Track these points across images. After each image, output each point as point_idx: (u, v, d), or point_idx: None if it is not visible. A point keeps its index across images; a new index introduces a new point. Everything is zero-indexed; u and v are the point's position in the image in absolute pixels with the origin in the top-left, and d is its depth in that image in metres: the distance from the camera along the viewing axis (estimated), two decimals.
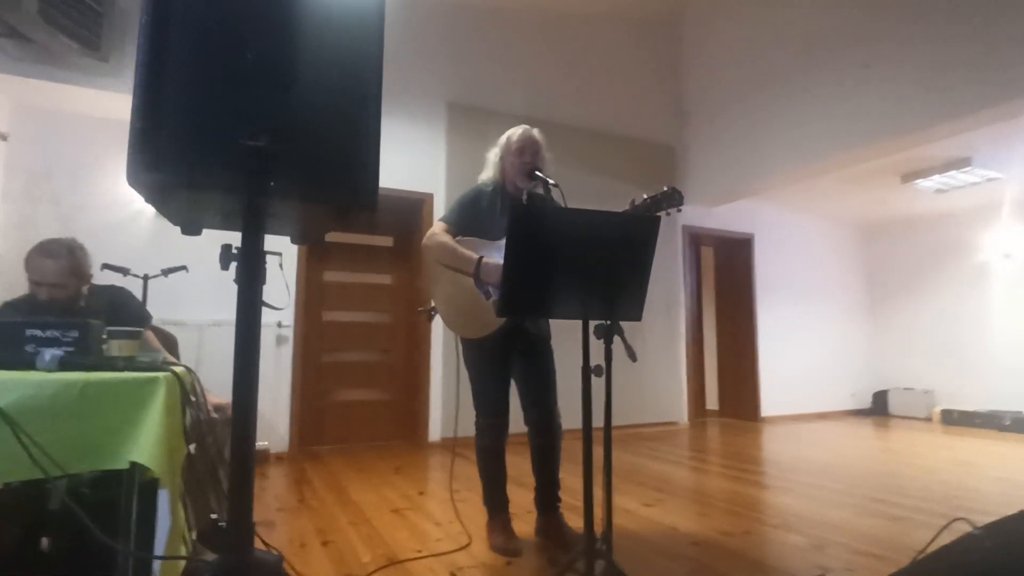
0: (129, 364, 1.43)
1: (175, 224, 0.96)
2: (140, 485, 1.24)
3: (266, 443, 4.14)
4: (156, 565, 1.20)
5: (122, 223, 3.98)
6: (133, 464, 1.14)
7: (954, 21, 3.99)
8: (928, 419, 6.78)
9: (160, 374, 1.24)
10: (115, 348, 1.54)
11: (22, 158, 3.81)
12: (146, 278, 3.32)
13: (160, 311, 3.25)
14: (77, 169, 3.93)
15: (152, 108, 0.78)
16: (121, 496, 1.23)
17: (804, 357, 7.06)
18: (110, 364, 1.39)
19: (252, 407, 0.92)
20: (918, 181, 5.78)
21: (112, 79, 3.65)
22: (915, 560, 1.40)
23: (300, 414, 4.46)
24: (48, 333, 1.48)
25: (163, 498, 1.19)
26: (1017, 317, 6.41)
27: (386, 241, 5.23)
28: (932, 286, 7.22)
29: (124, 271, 3.12)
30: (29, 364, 1.33)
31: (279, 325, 4.31)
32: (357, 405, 4.93)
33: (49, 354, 1.32)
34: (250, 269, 0.91)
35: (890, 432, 5.91)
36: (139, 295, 3.22)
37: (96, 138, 3.99)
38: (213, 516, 0.95)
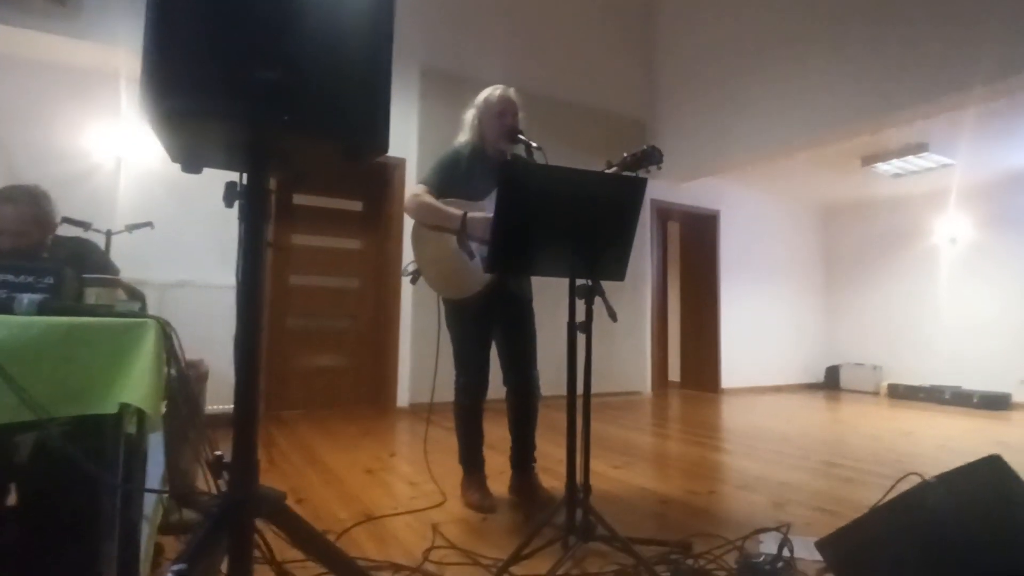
0: (110, 311, 1.39)
1: (175, 161, 0.94)
2: (125, 434, 1.22)
3: (230, 407, 4.07)
4: (147, 510, 1.19)
5: (80, 176, 3.80)
6: (121, 408, 1.12)
7: (918, 10, 4.11)
8: (876, 393, 7.14)
9: (148, 319, 1.22)
10: (92, 296, 1.50)
11: None
12: (109, 234, 3.19)
13: (122, 269, 3.14)
14: (30, 119, 3.72)
15: (164, 38, 0.75)
16: (105, 443, 1.22)
17: (762, 332, 7.31)
18: (91, 310, 1.35)
19: (257, 345, 0.93)
20: (878, 165, 5.98)
21: (69, 23, 3.45)
22: (874, 507, 1.50)
23: (265, 379, 4.40)
24: (21, 278, 1.42)
25: (155, 440, 1.18)
26: (959, 300, 6.76)
27: (355, 205, 5.15)
28: (885, 267, 7.53)
29: (85, 225, 2.99)
30: (5, 308, 1.28)
31: None
32: (323, 371, 4.90)
33: (27, 298, 1.28)
34: (257, 204, 0.90)
35: (841, 404, 6.20)
36: None
37: (51, 86, 3.78)
38: (218, 453, 0.95)
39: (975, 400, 5.99)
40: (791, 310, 7.68)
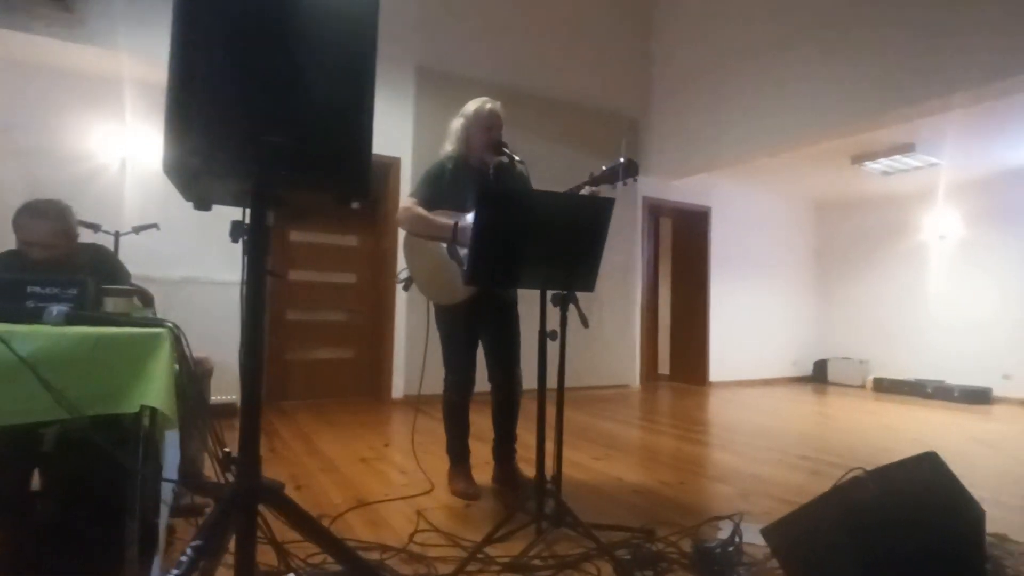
0: (128, 320, 1.56)
1: (188, 200, 1.10)
2: (145, 429, 1.40)
3: (234, 397, 4.26)
4: (165, 495, 1.37)
5: (86, 177, 3.96)
6: (142, 408, 1.30)
7: (903, 18, 4.24)
8: (862, 386, 7.31)
9: (163, 329, 1.38)
10: (111, 305, 1.67)
11: None
12: (117, 235, 3.36)
13: (129, 267, 3.31)
14: (39, 122, 3.87)
15: (183, 107, 0.91)
16: (127, 437, 1.39)
17: (752, 326, 7.48)
18: (111, 320, 1.51)
19: (261, 354, 1.09)
20: (867, 163, 6.11)
21: (77, 31, 3.59)
22: (815, 499, 1.67)
23: (266, 370, 4.59)
24: (48, 290, 1.59)
25: (171, 435, 1.35)
26: (947, 295, 6.91)
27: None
28: (874, 263, 7.68)
29: (95, 227, 3.15)
30: (35, 318, 1.45)
31: None
32: (322, 363, 5.08)
33: (56, 309, 1.45)
34: (259, 243, 1.06)
35: (826, 398, 6.38)
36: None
37: (59, 90, 3.93)
38: (227, 449, 1.11)
39: (956, 394, 6.17)
40: (781, 305, 7.85)
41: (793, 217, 8.11)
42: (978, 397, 6.07)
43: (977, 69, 3.88)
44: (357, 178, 1.02)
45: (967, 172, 6.41)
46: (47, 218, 2.04)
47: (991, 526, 1.78)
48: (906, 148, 5.72)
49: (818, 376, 7.85)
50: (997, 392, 6.22)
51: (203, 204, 1.10)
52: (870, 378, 7.28)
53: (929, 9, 4.10)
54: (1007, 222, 6.44)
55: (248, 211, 1.10)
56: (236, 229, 1.07)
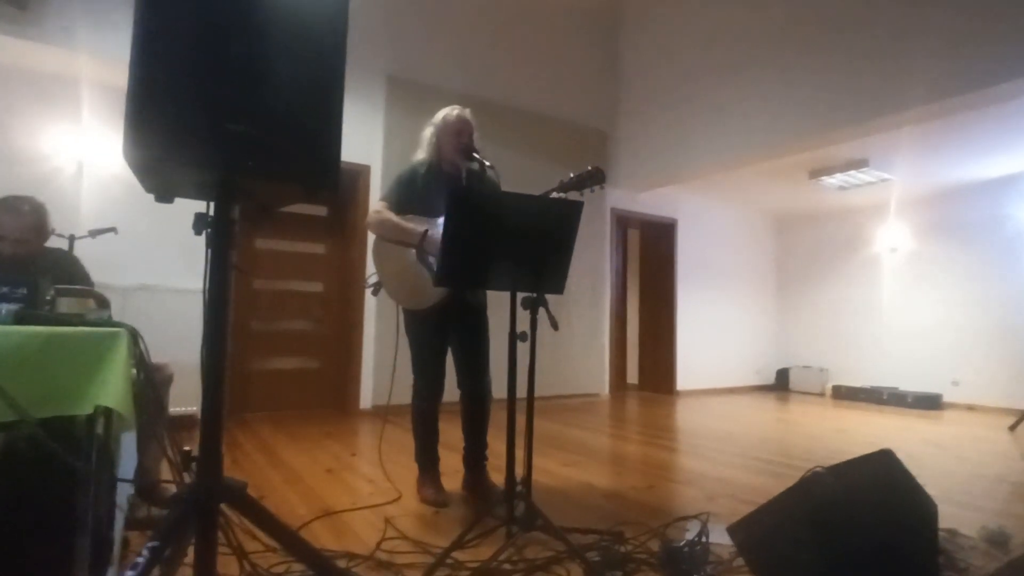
0: (83, 320, 1.50)
1: (148, 192, 1.07)
2: (99, 434, 1.34)
3: (193, 408, 4.13)
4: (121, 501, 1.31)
5: (41, 180, 3.81)
6: (96, 410, 1.24)
7: (856, 38, 4.43)
8: (822, 394, 7.51)
9: (120, 329, 1.34)
10: (64, 305, 1.61)
11: None
12: (72, 239, 3.24)
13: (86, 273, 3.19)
14: None
15: (145, 94, 0.89)
16: (79, 441, 1.33)
17: (717, 336, 7.62)
18: (64, 320, 1.46)
19: (223, 352, 1.06)
20: (823, 178, 6.32)
21: (30, 28, 3.48)
22: (776, 496, 1.70)
23: (229, 381, 4.46)
24: None
25: (127, 439, 1.30)
26: (898, 305, 7.17)
27: (320, 210, 5.23)
28: (832, 274, 7.93)
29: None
30: None
31: None
32: (287, 373, 4.97)
33: (4, 308, 1.39)
34: (223, 235, 1.04)
35: (788, 405, 6.52)
36: None
37: (11, 90, 3.79)
38: (186, 448, 1.08)
39: (909, 400, 6.39)
40: (744, 315, 8.02)
41: (755, 229, 8.32)
42: (930, 402, 6.29)
43: (925, 89, 4.06)
44: (325, 168, 1.01)
45: (916, 188, 6.69)
46: (21, 213, 1.98)
47: (942, 522, 1.84)
48: (860, 164, 5.95)
49: (780, 384, 8.03)
50: (947, 398, 6.46)
51: (165, 196, 1.07)
52: (829, 386, 7.49)
53: (879, 32, 4.29)
54: (952, 235, 6.74)
55: (212, 204, 1.08)
56: (199, 221, 1.05)
